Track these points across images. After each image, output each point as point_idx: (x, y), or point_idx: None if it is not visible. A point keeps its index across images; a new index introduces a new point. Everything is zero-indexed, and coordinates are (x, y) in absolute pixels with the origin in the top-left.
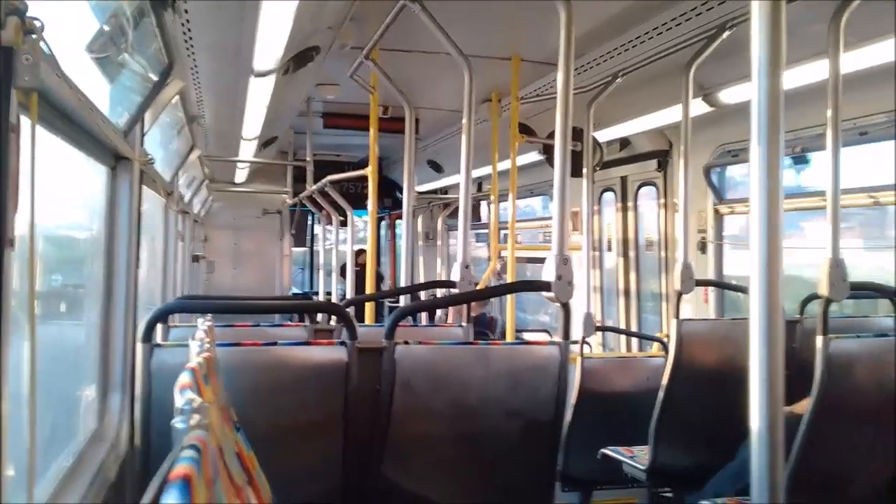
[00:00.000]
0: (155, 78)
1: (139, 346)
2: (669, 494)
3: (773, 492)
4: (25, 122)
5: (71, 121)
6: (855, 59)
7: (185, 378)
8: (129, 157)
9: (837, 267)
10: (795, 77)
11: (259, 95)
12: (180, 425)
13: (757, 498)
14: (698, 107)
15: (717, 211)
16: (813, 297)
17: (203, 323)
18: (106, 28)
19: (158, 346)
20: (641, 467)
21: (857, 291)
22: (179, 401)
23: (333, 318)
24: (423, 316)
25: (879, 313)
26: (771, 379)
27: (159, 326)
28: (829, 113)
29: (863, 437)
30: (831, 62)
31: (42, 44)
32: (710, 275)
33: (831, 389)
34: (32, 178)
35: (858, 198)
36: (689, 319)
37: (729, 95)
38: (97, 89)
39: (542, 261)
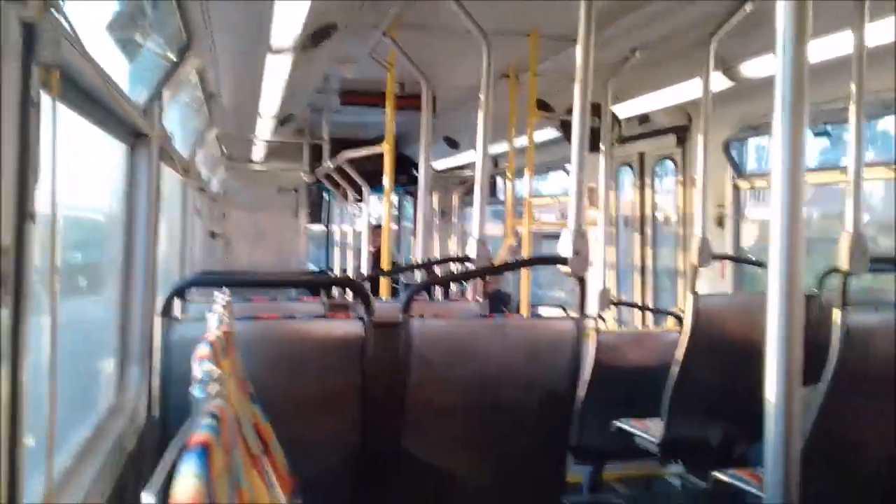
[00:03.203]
0: (174, 57)
1: (157, 320)
2: (681, 467)
3: (787, 464)
4: (46, 99)
5: (91, 98)
6: (879, 32)
7: (203, 349)
8: (147, 134)
9: (858, 241)
10: (819, 50)
11: (277, 73)
12: (199, 394)
13: (772, 469)
14: (718, 81)
15: (735, 186)
16: (832, 270)
17: (221, 297)
18: (126, 7)
19: (176, 320)
20: (654, 440)
21: (878, 265)
22: (198, 371)
23: (350, 293)
24: (440, 292)
25: None
26: (788, 353)
27: (177, 302)
28: (853, 86)
29: (879, 410)
30: (855, 35)
31: (63, 20)
32: (728, 250)
33: (848, 363)
34: (54, 155)
35: (880, 171)
36: (706, 294)
37: (750, 69)
38: (117, 68)
39: (558, 237)
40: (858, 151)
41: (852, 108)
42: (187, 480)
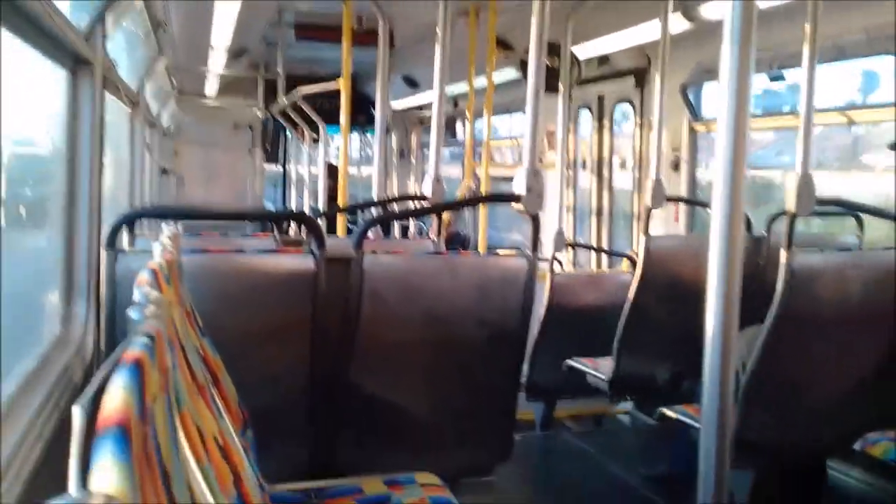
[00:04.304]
0: None
1: (103, 252)
2: (630, 403)
3: (723, 398)
4: None
5: (26, 17)
6: None
7: (144, 276)
8: (90, 60)
9: (806, 183)
10: None
11: (228, 2)
12: (136, 316)
13: (707, 403)
14: (678, 24)
15: (692, 129)
16: (781, 213)
17: (168, 228)
18: None
19: (123, 252)
20: (604, 377)
21: (823, 207)
22: (137, 296)
23: (304, 230)
24: (398, 233)
25: (846, 233)
26: (726, 291)
27: (126, 236)
28: (807, 28)
29: (822, 348)
30: None
31: None
32: (683, 193)
33: (792, 301)
34: None
35: (831, 116)
36: (658, 236)
37: (708, 10)
38: None
39: None
40: (810, 95)
41: (805, 51)
42: (117, 393)
